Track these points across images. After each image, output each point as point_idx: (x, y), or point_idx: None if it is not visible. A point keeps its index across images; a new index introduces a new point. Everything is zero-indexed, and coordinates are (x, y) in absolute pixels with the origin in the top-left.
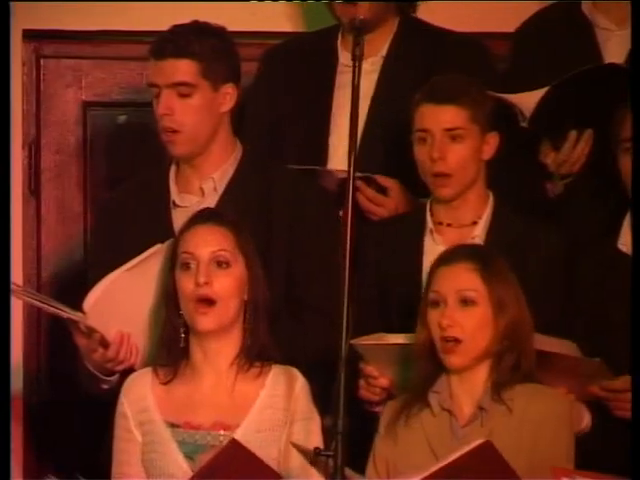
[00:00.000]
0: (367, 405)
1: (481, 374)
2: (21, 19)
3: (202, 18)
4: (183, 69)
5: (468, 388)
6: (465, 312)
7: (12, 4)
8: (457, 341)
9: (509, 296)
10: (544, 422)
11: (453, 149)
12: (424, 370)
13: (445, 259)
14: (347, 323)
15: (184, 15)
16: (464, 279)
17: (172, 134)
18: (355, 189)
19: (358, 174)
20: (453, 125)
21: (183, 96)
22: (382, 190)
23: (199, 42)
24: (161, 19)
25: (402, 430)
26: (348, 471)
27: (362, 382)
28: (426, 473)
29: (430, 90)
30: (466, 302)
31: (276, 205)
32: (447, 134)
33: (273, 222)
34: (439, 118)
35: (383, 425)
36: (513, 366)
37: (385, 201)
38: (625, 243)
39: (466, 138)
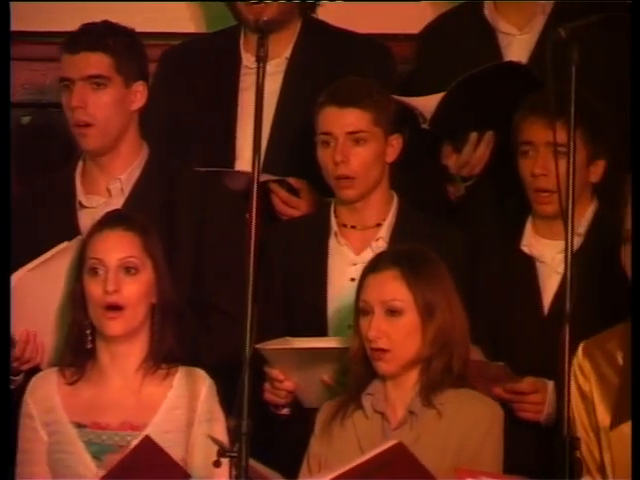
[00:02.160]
0: (272, 408)
1: (412, 378)
2: None
3: (109, 19)
4: (97, 62)
5: (401, 392)
6: (392, 322)
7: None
8: (385, 351)
9: (438, 300)
10: (473, 427)
11: (356, 152)
12: (358, 373)
13: (372, 266)
14: (251, 325)
15: (91, 16)
16: (390, 288)
17: (84, 127)
18: (269, 191)
19: (271, 177)
20: (356, 128)
21: (96, 89)
22: (294, 192)
23: (112, 38)
24: (71, 20)
25: (337, 430)
26: (258, 466)
27: (267, 385)
28: (335, 473)
29: (333, 93)
30: (393, 312)
31: (183, 207)
32: (350, 137)
33: (180, 223)
34: (342, 121)
35: (319, 425)
36: (444, 370)
37: (298, 203)
38: (527, 244)
39: (369, 141)
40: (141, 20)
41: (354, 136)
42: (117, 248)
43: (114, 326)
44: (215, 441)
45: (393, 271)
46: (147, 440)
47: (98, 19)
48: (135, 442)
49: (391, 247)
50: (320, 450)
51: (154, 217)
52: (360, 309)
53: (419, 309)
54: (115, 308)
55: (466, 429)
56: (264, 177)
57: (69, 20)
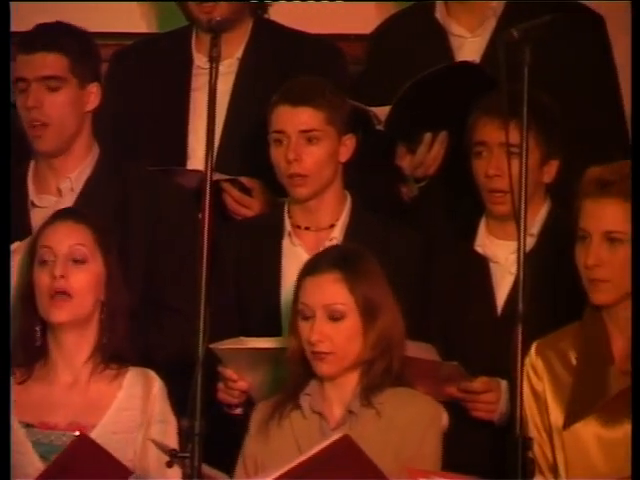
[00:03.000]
0: (226, 408)
1: (352, 379)
2: None
3: (60, 18)
4: (53, 62)
5: (339, 392)
6: (334, 326)
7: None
8: (327, 354)
9: (379, 300)
10: (412, 425)
11: (309, 151)
12: (296, 373)
13: (311, 268)
14: (204, 325)
15: (44, 16)
16: (331, 292)
17: (40, 128)
18: (221, 190)
19: (224, 176)
20: (309, 127)
21: (52, 90)
22: (246, 191)
23: (67, 38)
24: (24, 19)
25: (274, 430)
26: (205, 468)
27: (221, 385)
28: (285, 468)
29: (286, 92)
30: (334, 316)
31: (135, 205)
32: (303, 135)
33: (132, 222)
34: (295, 120)
35: (254, 425)
36: (384, 371)
37: (251, 202)
38: (481, 245)
39: (322, 140)
40: (93, 20)
41: (307, 135)
42: (67, 236)
43: (60, 313)
44: (157, 444)
45: (333, 274)
46: (82, 438)
47: (51, 19)
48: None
49: (328, 248)
50: (256, 450)
51: (106, 215)
52: (299, 312)
53: (361, 312)
54: (62, 294)
55: (405, 428)
56: (217, 176)
57: (25, 20)
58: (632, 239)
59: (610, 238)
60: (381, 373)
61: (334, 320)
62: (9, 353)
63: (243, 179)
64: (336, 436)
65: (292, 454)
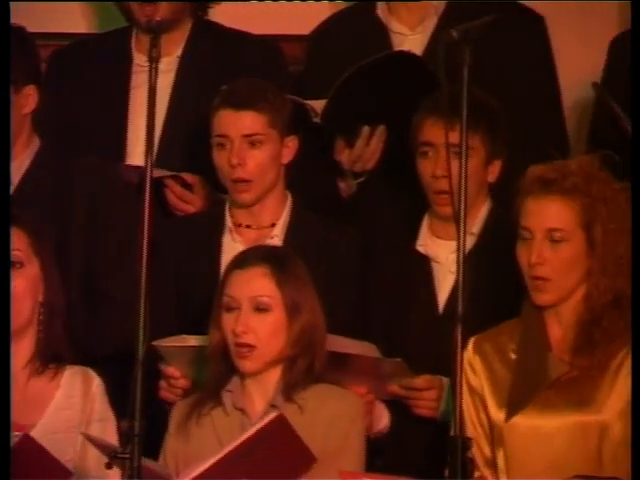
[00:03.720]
0: (167, 406)
1: (274, 375)
2: None
3: None
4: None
5: (261, 388)
6: (259, 318)
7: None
8: (251, 347)
9: (304, 299)
10: (335, 420)
11: (252, 155)
12: (217, 370)
13: (239, 262)
14: (144, 322)
15: None
16: (258, 284)
17: None
18: (163, 186)
19: (165, 172)
20: (252, 131)
21: None
22: (188, 187)
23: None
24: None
25: (194, 428)
26: (146, 461)
27: (163, 383)
28: (220, 455)
29: (228, 95)
30: (260, 308)
31: (75, 200)
32: (246, 140)
33: (72, 217)
34: (238, 124)
35: (173, 423)
36: (306, 369)
37: (192, 198)
38: (423, 244)
39: (265, 143)
40: (33, 20)
41: (250, 139)
42: None
43: None
44: (90, 439)
45: (262, 268)
46: (25, 439)
47: None
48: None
49: (257, 246)
50: (176, 448)
51: (44, 207)
52: (224, 304)
53: (286, 307)
54: None
55: (328, 423)
56: (158, 173)
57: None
58: (632, 239)
59: (552, 236)
60: (303, 371)
61: (259, 312)
62: (9, 353)
63: (184, 175)
64: (272, 415)
65: (214, 451)
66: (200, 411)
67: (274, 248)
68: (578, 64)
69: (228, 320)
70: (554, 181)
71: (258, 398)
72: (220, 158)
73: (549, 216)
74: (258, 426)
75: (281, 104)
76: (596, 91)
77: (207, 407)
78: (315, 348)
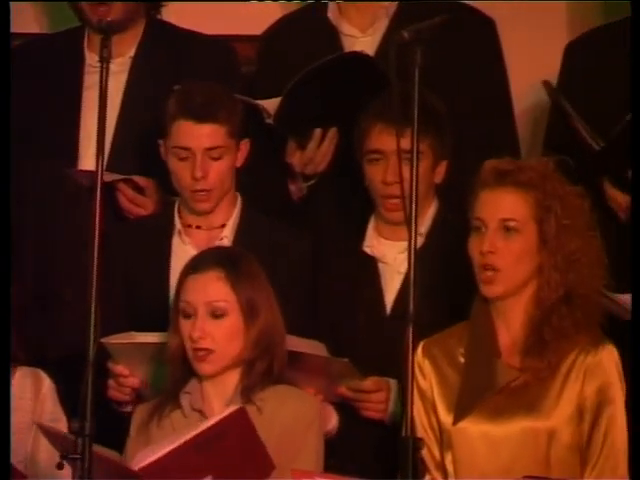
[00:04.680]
0: (116, 405)
1: (233, 378)
2: None
3: None
4: None
5: (220, 390)
6: (216, 323)
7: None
8: (208, 351)
9: (260, 301)
10: (293, 422)
11: (214, 166)
12: (176, 373)
13: (194, 266)
14: (95, 322)
15: None
16: (213, 289)
17: None
18: (115, 189)
19: (118, 176)
20: (214, 144)
21: None
22: (140, 190)
23: None
24: None
25: (154, 431)
26: (97, 448)
27: (112, 382)
28: (180, 440)
29: (186, 104)
30: (216, 314)
31: (27, 202)
32: (208, 153)
33: (23, 217)
34: (200, 137)
35: (134, 427)
36: (265, 371)
37: (145, 201)
38: (369, 245)
39: (226, 154)
40: None
41: (212, 152)
42: None
43: None
44: (43, 430)
45: (216, 272)
46: None
47: None
48: None
49: (211, 248)
50: (137, 450)
51: None
52: (181, 309)
53: (243, 310)
54: None
55: (287, 424)
56: (110, 177)
57: None
58: (632, 239)
59: (506, 227)
60: (262, 373)
61: (216, 317)
62: (9, 353)
63: (136, 178)
64: (232, 408)
65: None
66: (160, 414)
67: (229, 250)
68: (534, 67)
69: (185, 325)
70: (510, 173)
71: (216, 400)
72: (181, 169)
73: (503, 206)
74: (218, 417)
75: (237, 110)
76: (547, 89)
77: (167, 410)
78: (274, 349)
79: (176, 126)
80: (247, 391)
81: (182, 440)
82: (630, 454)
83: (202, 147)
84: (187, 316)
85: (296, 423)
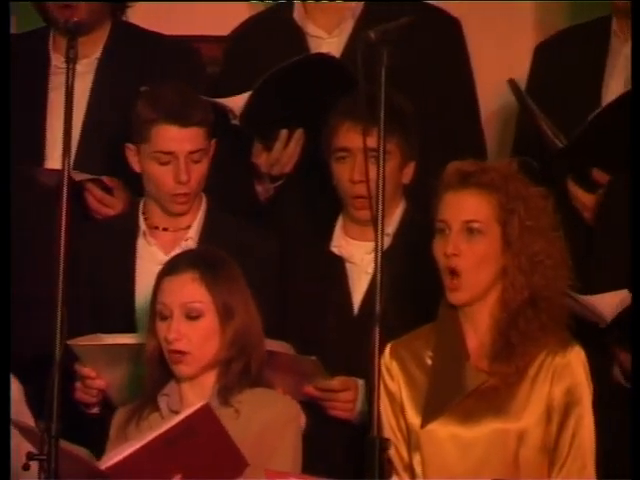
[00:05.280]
0: (83, 407)
1: (210, 379)
2: None
3: None
4: None
5: (197, 392)
6: (191, 325)
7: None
8: (184, 353)
9: (237, 302)
10: (271, 424)
11: (196, 169)
12: (154, 375)
13: (170, 268)
14: (61, 324)
15: None
16: (189, 291)
17: None
18: (83, 189)
19: (86, 175)
20: (197, 147)
21: None
22: (108, 190)
23: None
24: None
25: (133, 434)
26: (65, 444)
27: (78, 384)
28: (147, 439)
29: (164, 107)
30: (192, 315)
31: None
32: (190, 156)
33: None
34: (184, 141)
35: (114, 430)
36: (242, 372)
37: (113, 202)
38: (337, 246)
39: (205, 156)
40: None
41: (193, 155)
42: None
43: None
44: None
45: (192, 273)
46: None
47: None
48: None
49: (187, 249)
50: None
51: None
52: (157, 312)
53: (218, 311)
54: None
55: (264, 427)
56: (79, 176)
57: None
58: (632, 239)
59: (469, 228)
60: (239, 373)
61: (191, 319)
62: (9, 353)
63: (105, 178)
64: (197, 405)
65: None
66: (139, 416)
67: (206, 252)
68: (501, 67)
69: (161, 327)
70: (473, 174)
71: (194, 401)
72: (163, 174)
73: (466, 208)
74: (183, 415)
75: (210, 112)
76: (511, 88)
77: (145, 412)
78: (250, 351)
79: (156, 130)
80: (224, 392)
81: (148, 439)
82: (630, 454)
83: (185, 151)
84: (163, 318)
85: (274, 425)
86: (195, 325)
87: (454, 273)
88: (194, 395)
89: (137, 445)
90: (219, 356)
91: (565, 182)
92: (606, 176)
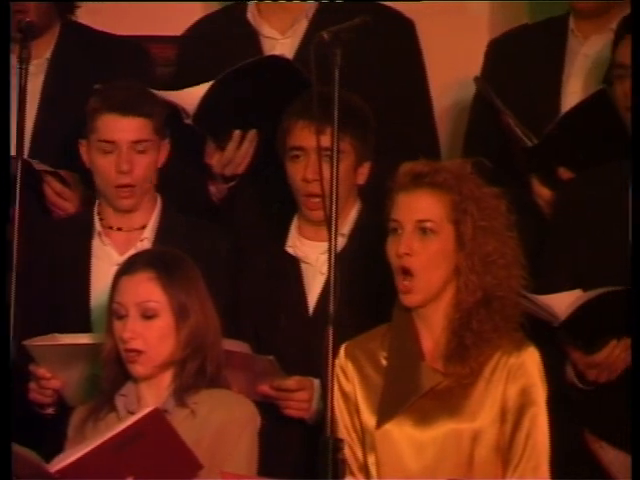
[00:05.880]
0: (37, 408)
1: (166, 379)
2: None
3: None
4: None
5: (154, 392)
6: (147, 324)
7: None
8: (139, 352)
9: (193, 302)
10: (227, 425)
11: (139, 161)
12: (111, 375)
13: (126, 268)
14: (15, 324)
15: None
16: (145, 290)
17: None
18: (41, 182)
19: (46, 167)
20: (140, 137)
21: None
22: (66, 185)
23: None
24: None
25: (90, 433)
26: (16, 447)
27: (33, 384)
28: (93, 445)
29: (111, 99)
30: (147, 314)
31: None
32: (133, 146)
33: None
34: (126, 130)
35: (71, 429)
36: (197, 372)
37: (71, 195)
38: (292, 246)
39: (150, 149)
40: None
41: (137, 145)
42: None
43: None
44: None
45: (148, 273)
46: None
47: None
48: None
49: (144, 249)
50: None
51: None
52: (114, 311)
53: (174, 311)
54: None
55: (220, 428)
56: (39, 166)
57: None
58: (632, 239)
59: (422, 228)
60: (194, 374)
61: (147, 318)
62: (9, 352)
63: (62, 172)
64: (147, 410)
65: None
66: (96, 416)
67: (162, 252)
68: (454, 67)
69: (117, 327)
70: (425, 174)
71: (151, 402)
72: (105, 163)
73: (419, 208)
74: (133, 418)
75: (161, 108)
76: (477, 85)
77: (103, 412)
78: (206, 351)
79: (100, 120)
80: (180, 393)
81: (98, 442)
82: (631, 454)
83: (128, 140)
84: (119, 317)
85: (230, 426)
86: (150, 324)
87: (407, 273)
88: (151, 395)
89: (87, 448)
90: (174, 356)
91: (529, 180)
92: (572, 174)
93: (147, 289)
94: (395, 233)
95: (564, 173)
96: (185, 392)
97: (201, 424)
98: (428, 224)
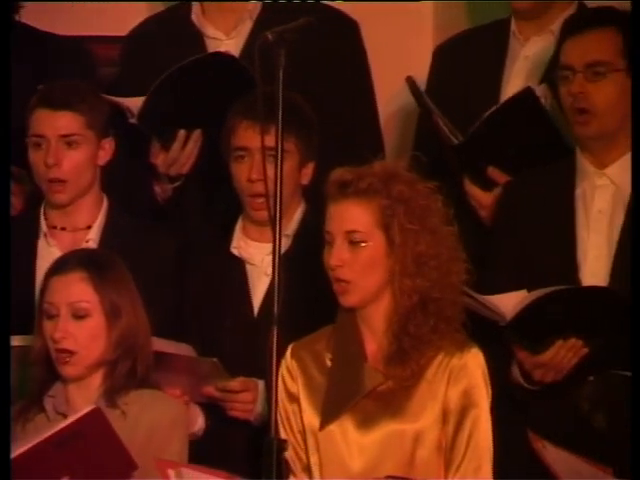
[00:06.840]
0: None
1: (96, 380)
2: None
3: None
4: None
5: (84, 393)
6: (78, 324)
7: None
8: (70, 352)
9: (124, 303)
10: (157, 425)
11: (68, 155)
12: (40, 376)
13: (58, 268)
14: None
15: None
16: (75, 290)
17: None
18: None
19: None
20: (69, 131)
21: None
22: (14, 179)
23: None
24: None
25: (19, 435)
26: None
27: None
28: (31, 443)
29: (45, 95)
30: (79, 314)
31: None
32: (62, 140)
33: None
34: (55, 124)
35: None
36: (128, 372)
37: (20, 189)
38: (237, 247)
39: (82, 144)
40: None
41: (67, 139)
42: None
43: None
44: None
45: (79, 273)
46: None
47: None
48: None
49: (76, 250)
50: None
51: None
52: (44, 311)
53: (105, 311)
54: None
55: (151, 427)
56: None
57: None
58: (632, 240)
59: (351, 238)
60: (125, 374)
61: (78, 318)
62: (9, 352)
63: (13, 169)
64: (88, 408)
65: None
66: (26, 417)
67: (93, 252)
68: (400, 69)
69: (48, 327)
70: (350, 183)
71: (81, 403)
72: (36, 158)
73: (346, 219)
74: (73, 417)
75: (99, 105)
76: (409, 85)
77: (32, 413)
78: (137, 352)
79: (33, 116)
80: (110, 393)
81: (36, 440)
82: (631, 454)
83: (56, 134)
84: (50, 317)
85: (160, 426)
86: (82, 324)
87: (340, 281)
88: (80, 397)
89: (24, 447)
90: (105, 356)
91: (462, 179)
92: (503, 175)
93: (79, 289)
94: (329, 245)
95: (493, 172)
96: (116, 393)
97: (132, 425)
98: (356, 235)
